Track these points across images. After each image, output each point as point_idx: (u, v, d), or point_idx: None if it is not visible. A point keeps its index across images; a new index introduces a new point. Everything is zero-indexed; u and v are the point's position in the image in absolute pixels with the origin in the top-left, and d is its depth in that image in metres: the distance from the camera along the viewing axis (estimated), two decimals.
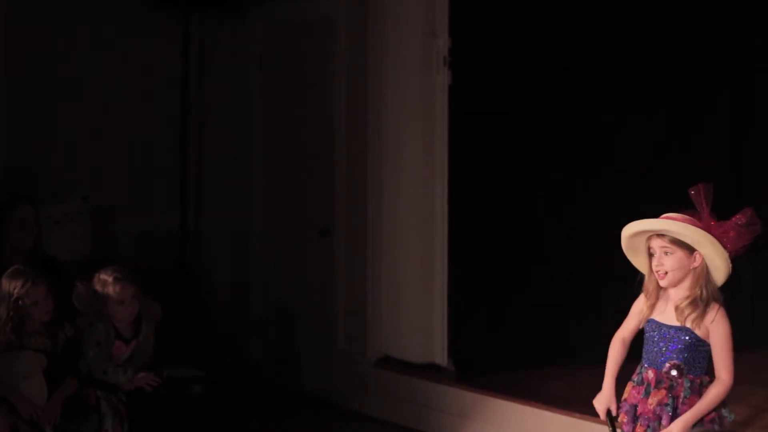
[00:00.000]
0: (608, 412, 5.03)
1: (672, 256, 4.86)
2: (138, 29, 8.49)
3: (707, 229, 4.84)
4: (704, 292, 4.86)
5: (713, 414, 4.90)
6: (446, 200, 7.74)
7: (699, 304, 4.86)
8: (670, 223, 4.85)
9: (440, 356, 7.83)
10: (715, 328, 4.85)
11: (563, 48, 7.89)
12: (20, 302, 6.14)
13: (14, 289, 6.16)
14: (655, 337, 4.96)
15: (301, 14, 8.59)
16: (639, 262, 5.03)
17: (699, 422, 4.87)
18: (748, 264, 8.52)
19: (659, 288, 4.95)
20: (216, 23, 8.90)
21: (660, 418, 4.89)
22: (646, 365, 4.97)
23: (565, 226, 7.74)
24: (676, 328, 4.89)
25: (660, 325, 4.93)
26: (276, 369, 8.71)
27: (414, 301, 7.91)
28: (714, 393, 4.86)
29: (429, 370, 7.81)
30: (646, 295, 4.99)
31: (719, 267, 4.85)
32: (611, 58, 8.03)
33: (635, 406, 4.95)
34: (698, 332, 4.86)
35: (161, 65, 8.65)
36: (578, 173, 7.91)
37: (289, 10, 8.66)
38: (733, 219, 4.86)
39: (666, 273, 4.87)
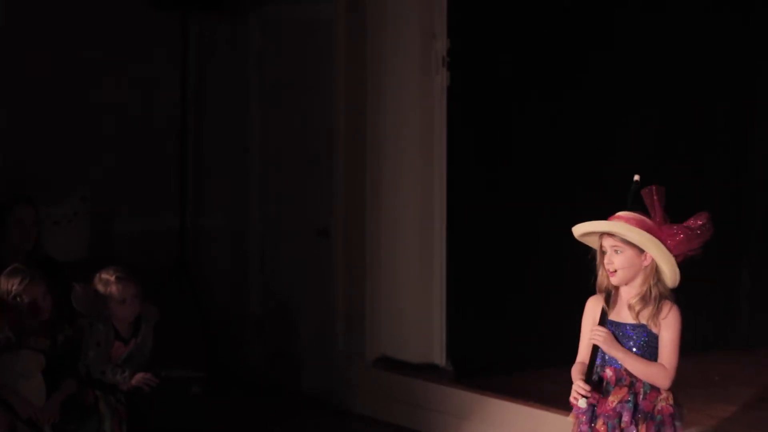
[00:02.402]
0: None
1: (622, 254, 4.92)
2: (136, 29, 8.49)
3: (657, 230, 4.90)
4: (654, 290, 4.92)
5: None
6: (444, 200, 7.76)
7: (649, 301, 4.92)
8: (616, 225, 4.91)
9: (438, 356, 7.85)
10: (667, 324, 4.92)
11: (562, 48, 7.90)
12: (18, 300, 6.16)
13: (12, 286, 6.17)
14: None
15: (299, 14, 8.59)
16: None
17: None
18: (746, 264, 8.56)
19: (612, 286, 5.00)
20: (214, 23, 8.91)
21: (620, 416, 4.94)
22: (603, 365, 5.00)
23: (562, 226, 7.72)
24: (632, 326, 4.95)
25: (616, 324, 4.98)
26: (274, 369, 8.71)
27: (412, 302, 7.92)
28: (655, 368, 4.91)
29: (427, 371, 7.82)
30: (599, 291, 5.03)
31: (664, 270, 4.92)
32: (610, 58, 8.04)
33: (594, 406, 4.98)
34: (654, 330, 4.94)
35: (160, 65, 8.65)
36: (576, 173, 7.92)
37: (287, 10, 8.66)
38: (686, 222, 4.92)
39: (615, 271, 4.93)
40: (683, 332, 4.95)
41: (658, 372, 4.92)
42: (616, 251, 4.91)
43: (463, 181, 7.73)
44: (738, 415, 6.90)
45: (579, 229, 5.03)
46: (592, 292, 5.11)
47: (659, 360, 4.93)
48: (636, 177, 5.02)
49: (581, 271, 5.46)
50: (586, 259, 5.11)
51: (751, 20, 8.50)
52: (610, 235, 4.92)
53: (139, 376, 6.42)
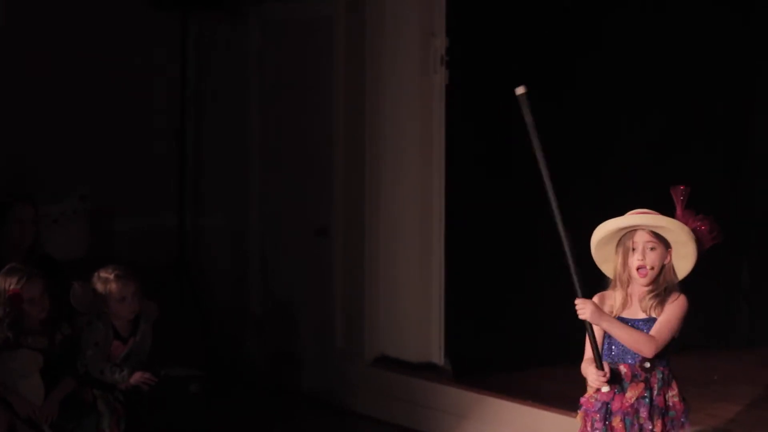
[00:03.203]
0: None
1: (655, 251, 4.93)
2: (136, 29, 8.50)
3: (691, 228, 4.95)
4: (668, 285, 4.95)
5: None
6: (443, 199, 7.76)
7: (662, 295, 4.94)
8: (670, 221, 4.92)
9: (437, 355, 7.84)
10: (670, 307, 4.93)
11: (562, 48, 7.90)
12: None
13: (10, 285, 6.16)
14: None
15: (299, 14, 8.60)
16: (602, 255, 5.08)
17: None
18: (746, 264, 8.55)
19: (628, 283, 4.99)
20: (214, 23, 8.92)
21: (638, 411, 4.94)
22: (614, 361, 4.99)
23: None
24: (644, 321, 4.95)
25: (627, 321, 4.97)
26: (273, 368, 8.71)
27: (411, 301, 7.91)
28: (642, 336, 4.90)
29: (426, 370, 7.82)
30: (622, 286, 5.01)
31: (686, 267, 4.96)
32: (610, 57, 8.04)
33: (607, 404, 4.98)
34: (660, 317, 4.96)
35: (159, 65, 8.66)
36: (576, 173, 7.89)
37: (287, 9, 8.66)
38: (698, 222, 4.94)
39: (651, 269, 4.93)
40: (684, 320, 4.94)
41: (645, 339, 4.89)
42: (650, 248, 4.93)
43: (463, 180, 7.72)
44: (739, 414, 6.90)
45: (623, 222, 4.99)
46: (591, 291, 5.10)
47: (651, 331, 4.93)
48: (520, 89, 4.96)
49: (580, 269, 5.47)
50: (585, 258, 5.11)
51: (751, 20, 8.49)
52: (643, 231, 4.92)
53: (138, 375, 6.41)
